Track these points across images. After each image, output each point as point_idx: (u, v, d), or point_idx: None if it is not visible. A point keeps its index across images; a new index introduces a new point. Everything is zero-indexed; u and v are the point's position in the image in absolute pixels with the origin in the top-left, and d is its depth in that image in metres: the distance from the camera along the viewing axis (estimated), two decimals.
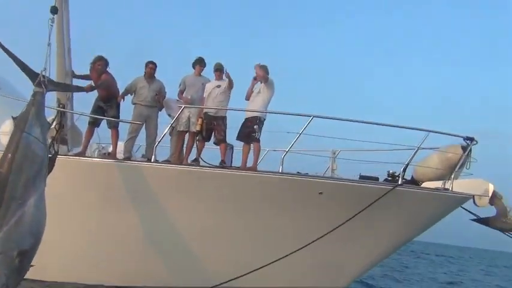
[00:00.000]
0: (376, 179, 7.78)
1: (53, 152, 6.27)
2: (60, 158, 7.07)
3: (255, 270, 7.02)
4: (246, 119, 7.59)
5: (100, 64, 7.67)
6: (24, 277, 5.28)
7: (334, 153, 8.95)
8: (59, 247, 7.11)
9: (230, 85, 7.72)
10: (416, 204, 7.55)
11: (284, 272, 7.34)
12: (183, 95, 8.08)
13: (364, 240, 7.64)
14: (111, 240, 7.26)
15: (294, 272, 7.48)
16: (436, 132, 7.38)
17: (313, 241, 7.14)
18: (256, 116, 7.49)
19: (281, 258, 7.11)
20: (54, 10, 6.41)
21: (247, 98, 7.79)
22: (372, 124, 7.46)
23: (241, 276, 7.06)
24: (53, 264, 7.38)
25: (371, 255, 7.95)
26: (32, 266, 5.13)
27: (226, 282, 7.09)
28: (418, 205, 7.56)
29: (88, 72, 7.93)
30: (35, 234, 5.15)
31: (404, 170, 7.42)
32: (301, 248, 7.06)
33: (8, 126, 7.79)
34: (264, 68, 7.57)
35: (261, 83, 7.64)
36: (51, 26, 6.35)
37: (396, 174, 7.58)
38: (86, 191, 7.07)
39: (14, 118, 5.50)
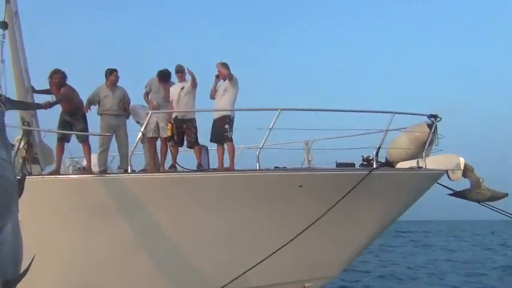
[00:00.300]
0: (352, 165, 7.90)
1: (23, 174, 6.06)
2: (35, 179, 6.97)
3: (245, 271, 7.03)
4: (216, 120, 7.58)
5: (57, 77, 7.48)
6: None
7: (307, 144, 9.04)
8: (46, 270, 6.97)
9: (194, 83, 7.65)
10: (394, 186, 7.65)
11: (273, 267, 7.34)
12: (149, 99, 8.02)
13: (348, 227, 7.68)
14: (98, 256, 7.13)
15: (283, 266, 7.47)
16: (400, 113, 7.56)
17: (298, 234, 7.14)
18: (226, 115, 7.49)
19: (270, 255, 7.11)
20: (3, 25, 6.20)
21: (212, 97, 7.79)
22: (339, 111, 7.58)
23: (234, 279, 7.06)
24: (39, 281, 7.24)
25: (357, 242, 8.02)
26: None
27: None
28: (396, 186, 7.67)
29: (48, 87, 7.73)
30: (16, 262, 4.88)
31: (377, 154, 7.53)
32: (288, 243, 7.05)
33: None
34: (226, 66, 7.57)
35: (225, 80, 7.64)
36: (3, 41, 6.15)
37: (371, 158, 7.70)
38: (65, 210, 6.93)
39: None
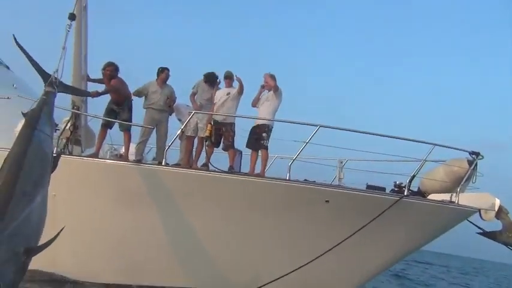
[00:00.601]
0: (383, 189, 7.86)
1: (59, 152, 6.35)
2: (74, 159, 7.35)
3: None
4: (255, 127, 7.77)
5: (109, 70, 7.87)
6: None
7: (341, 163, 9.05)
8: (73, 246, 7.30)
9: (240, 89, 7.88)
10: (422, 216, 7.57)
11: (287, 280, 7.41)
12: (194, 100, 8.28)
13: (369, 250, 7.64)
14: (121, 240, 7.43)
15: (299, 281, 7.53)
16: (442, 146, 7.46)
17: (319, 255, 7.17)
18: (265, 124, 7.67)
19: (287, 274, 7.16)
20: (72, 17, 6.60)
21: (254, 105, 8.01)
22: (378, 136, 7.55)
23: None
24: (69, 264, 7.60)
25: (376, 264, 7.96)
26: None
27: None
28: (424, 216, 7.59)
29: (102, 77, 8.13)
30: (39, 232, 5.03)
31: (410, 181, 7.51)
32: (304, 264, 7.10)
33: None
34: (273, 77, 7.77)
35: (269, 91, 7.82)
36: (68, 31, 6.53)
37: (403, 185, 7.66)
38: (98, 192, 7.24)
39: (24, 114, 5.49)
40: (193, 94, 8.37)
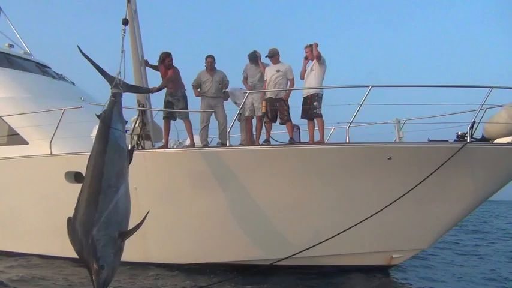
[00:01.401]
0: (445, 141, 7.76)
1: (133, 146, 7.15)
2: (148, 152, 7.99)
3: (332, 237, 7.33)
4: (305, 98, 8.07)
5: (169, 60, 8.38)
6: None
7: (399, 122, 9.07)
8: (158, 233, 7.95)
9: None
10: (489, 162, 7.48)
11: (361, 237, 7.63)
12: (247, 83, 8.69)
13: (439, 202, 7.70)
14: (201, 222, 7.96)
15: (371, 236, 7.75)
16: (499, 87, 7.30)
17: (385, 206, 7.27)
18: (315, 93, 7.93)
19: (357, 225, 7.34)
20: (125, 22, 7.24)
21: (302, 78, 8.29)
22: (432, 87, 7.52)
23: (318, 243, 7.40)
24: (155, 249, 8.24)
25: (448, 217, 7.98)
26: None
27: (305, 250, 7.46)
28: (492, 162, 7.49)
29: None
30: (127, 217, 5.83)
31: (471, 128, 7.37)
32: (377, 213, 7.22)
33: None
34: (314, 47, 8.01)
35: (312, 61, 8.07)
36: (123, 35, 7.17)
37: (465, 134, 7.52)
38: (173, 180, 7.83)
39: (98, 116, 6.26)
40: (245, 78, 8.78)
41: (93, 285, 5.34)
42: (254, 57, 8.66)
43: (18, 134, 10.03)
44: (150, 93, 8.41)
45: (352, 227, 7.19)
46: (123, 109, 6.61)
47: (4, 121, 10.13)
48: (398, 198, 7.18)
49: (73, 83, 13.65)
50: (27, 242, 9.50)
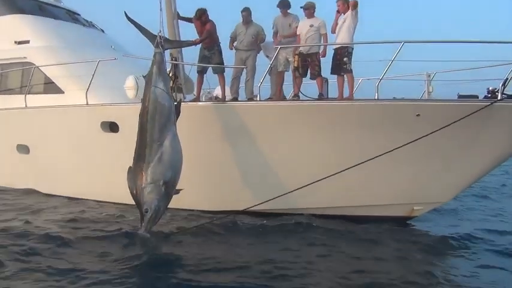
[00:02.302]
0: (476, 97, 7.76)
1: (179, 100, 7.66)
2: (182, 105, 8.24)
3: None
4: (335, 52, 8.04)
5: (205, 16, 8.43)
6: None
7: (429, 76, 9.02)
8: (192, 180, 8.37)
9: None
10: None
11: (384, 189, 7.93)
12: (277, 37, 8.67)
13: (463, 157, 7.79)
14: (229, 171, 8.30)
15: (393, 188, 8.00)
16: None
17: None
18: (344, 47, 7.90)
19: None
20: None
21: (333, 32, 8.22)
22: (464, 42, 7.43)
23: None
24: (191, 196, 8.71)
25: (471, 171, 8.07)
26: (178, 192, 6.65)
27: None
28: None
29: (191, 16, 8.68)
30: (174, 167, 6.60)
31: (504, 85, 7.28)
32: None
33: (131, 81, 9.11)
34: (346, 1, 7.95)
35: (344, 14, 8.00)
36: None
37: (496, 90, 7.47)
38: (206, 131, 8.12)
39: (144, 76, 6.88)
40: (275, 33, 8.74)
41: (140, 224, 6.44)
42: (284, 5, 8.53)
43: (54, 83, 10.40)
44: (190, 46, 8.57)
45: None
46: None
47: (41, 70, 10.44)
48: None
49: (103, 31, 13.80)
50: (64, 186, 10.09)
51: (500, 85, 7.37)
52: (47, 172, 10.30)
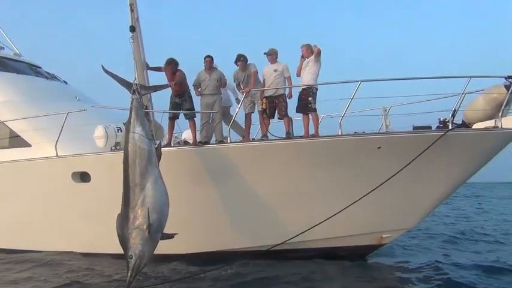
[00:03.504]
0: (429, 127, 8.41)
1: (159, 143, 7.81)
2: None
3: (324, 221, 7.96)
4: (300, 93, 8.59)
5: (171, 67, 8.76)
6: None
7: (385, 110, 9.66)
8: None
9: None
10: (469, 146, 8.12)
11: (353, 219, 8.25)
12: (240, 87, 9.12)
13: (423, 184, 8.33)
14: (206, 213, 8.48)
15: (362, 218, 8.37)
16: (477, 76, 7.92)
17: (375, 187, 7.83)
18: (309, 88, 8.46)
19: (349, 207, 7.94)
20: (132, 29, 7.68)
21: (298, 75, 8.81)
22: (417, 79, 8.14)
23: (312, 227, 8.00)
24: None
25: (432, 197, 8.64)
26: (172, 237, 6.65)
27: (300, 234, 8.02)
28: (471, 146, 8.13)
29: (159, 65, 9.02)
30: (158, 210, 6.57)
31: (453, 115, 8.00)
32: (365, 195, 7.81)
33: (100, 131, 9.24)
34: (310, 47, 8.58)
35: (308, 58, 8.59)
36: (133, 42, 7.61)
37: (447, 120, 8.12)
38: (176, 175, 8.24)
39: (124, 123, 7.10)
40: (238, 85, 9.17)
41: (126, 272, 6.31)
42: (243, 59, 9.01)
43: (19, 137, 10.33)
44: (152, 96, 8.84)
45: (343, 209, 7.85)
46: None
47: (5, 125, 10.39)
48: (383, 183, 7.82)
49: (66, 82, 13.88)
50: (38, 241, 9.90)
51: (450, 115, 8.07)
52: (16, 227, 10.07)
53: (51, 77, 13.55)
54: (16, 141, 10.35)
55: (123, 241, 6.34)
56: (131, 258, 6.23)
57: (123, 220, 6.39)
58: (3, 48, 13.76)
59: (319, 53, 8.46)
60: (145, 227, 6.29)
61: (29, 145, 10.16)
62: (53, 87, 12.88)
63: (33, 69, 13.31)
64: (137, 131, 6.82)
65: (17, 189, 9.88)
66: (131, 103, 7.12)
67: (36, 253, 9.79)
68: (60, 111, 9.49)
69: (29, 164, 9.63)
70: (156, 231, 6.41)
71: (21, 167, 9.74)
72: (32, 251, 9.91)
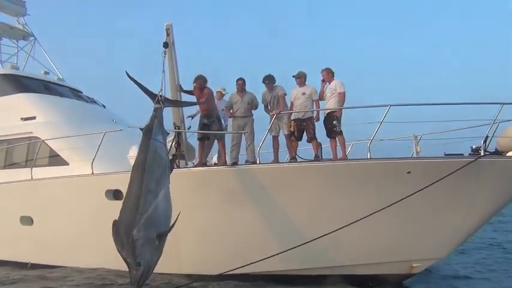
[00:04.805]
0: (461, 155, 8.27)
1: (173, 155, 7.90)
2: (184, 171, 8.63)
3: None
4: (325, 117, 8.72)
5: (199, 83, 9.00)
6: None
7: (416, 137, 9.60)
8: (193, 245, 8.55)
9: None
10: (502, 174, 7.96)
11: (383, 246, 8.19)
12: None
13: (456, 212, 8.16)
14: (232, 234, 8.56)
15: (392, 246, 8.28)
16: (509, 103, 7.81)
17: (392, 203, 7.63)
18: (333, 112, 8.58)
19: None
20: (165, 45, 8.14)
21: (321, 98, 8.97)
22: (447, 105, 8.10)
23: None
24: (190, 260, 8.82)
25: (464, 226, 8.41)
26: None
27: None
28: (505, 174, 7.97)
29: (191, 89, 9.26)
30: (167, 220, 6.50)
31: (485, 142, 7.84)
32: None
33: (134, 151, 9.52)
34: (330, 71, 8.84)
35: (329, 83, 8.80)
36: (164, 57, 7.96)
37: (479, 148, 7.97)
38: (207, 194, 8.48)
39: (141, 129, 7.07)
40: (266, 106, 9.26)
41: (131, 280, 6.00)
42: (270, 80, 9.13)
43: (59, 156, 10.81)
44: (185, 118, 9.17)
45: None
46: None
47: (46, 144, 10.90)
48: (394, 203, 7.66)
49: (104, 106, 14.52)
50: (71, 256, 10.17)
51: (482, 142, 7.93)
52: (51, 243, 10.40)
53: (91, 101, 14.24)
54: (55, 160, 10.83)
55: (128, 248, 5.99)
56: (140, 266, 5.93)
57: (128, 226, 6.07)
58: (49, 73, 14.57)
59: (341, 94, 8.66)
60: (155, 235, 6.12)
61: (66, 163, 10.61)
62: (91, 110, 13.53)
63: (74, 93, 14.04)
64: (159, 138, 6.93)
65: (54, 205, 10.25)
66: (154, 111, 7.26)
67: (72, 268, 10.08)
68: (98, 131, 9.94)
69: (66, 182, 10.02)
70: (163, 241, 6.26)
71: (58, 184, 10.13)
72: (66, 266, 10.17)
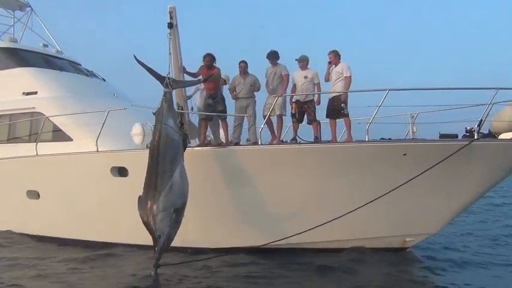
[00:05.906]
0: (455, 136, 8.62)
1: (185, 135, 8.41)
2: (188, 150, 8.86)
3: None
4: (332, 99, 8.90)
5: (209, 60, 9.14)
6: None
7: (413, 117, 9.88)
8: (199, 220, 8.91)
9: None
10: (494, 156, 8.30)
11: (377, 222, 8.63)
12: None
13: (447, 191, 8.56)
14: (234, 211, 8.89)
15: (386, 222, 8.73)
16: (504, 88, 8.07)
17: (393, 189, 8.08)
18: (341, 96, 8.79)
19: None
20: (169, 25, 8.32)
21: (326, 80, 9.17)
22: (445, 89, 8.36)
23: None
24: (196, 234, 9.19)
25: (456, 204, 8.85)
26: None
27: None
28: (497, 156, 8.31)
29: (194, 71, 9.39)
30: (183, 196, 7.26)
31: (479, 125, 8.14)
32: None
33: (137, 128, 9.75)
34: (337, 53, 8.99)
35: (336, 66, 8.96)
36: (169, 38, 8.13)
37: (474, 130, 8.26)
38: (210, 174, 8.76)
39: (153, 113, 7.61)
40: (267, 83, 9.49)
41: (154, 250, 7.01)
42: (273, 56, 9.36)
43: (62, 131, 10.97)
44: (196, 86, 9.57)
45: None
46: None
47: (50, 120, 11.03)
48: (398, 186, 8.10)
49: (104, 80, 14.53)
50: (76, 230, 10.52)
51: (476, 125, 8.22)
52: (57, 216, 10.73)
53: (91, 74, 14.22)
54: (59, 135, 10.98)
55: (150, 222, 6.93)
56: (160, 238, 6.86)
57: (149, 203, 6.95)
58: (47, 46, 14.47)
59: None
60: (172, 210, 6.93)
61: (70, 139, 10.79)
62: (92, 84, 13.56)
63: (74, 66, 14.01)
64: (169, 122, 7.40)
65: (60, 181, 10.47)
66: (164, 95, 7.63)
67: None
68: (100, 107, 10.09)
69: (72, 158, 10.23)
70: (180, 215, 7.08)
71: (65, 160, 10.34)
72: (72, 239, 10.54)
